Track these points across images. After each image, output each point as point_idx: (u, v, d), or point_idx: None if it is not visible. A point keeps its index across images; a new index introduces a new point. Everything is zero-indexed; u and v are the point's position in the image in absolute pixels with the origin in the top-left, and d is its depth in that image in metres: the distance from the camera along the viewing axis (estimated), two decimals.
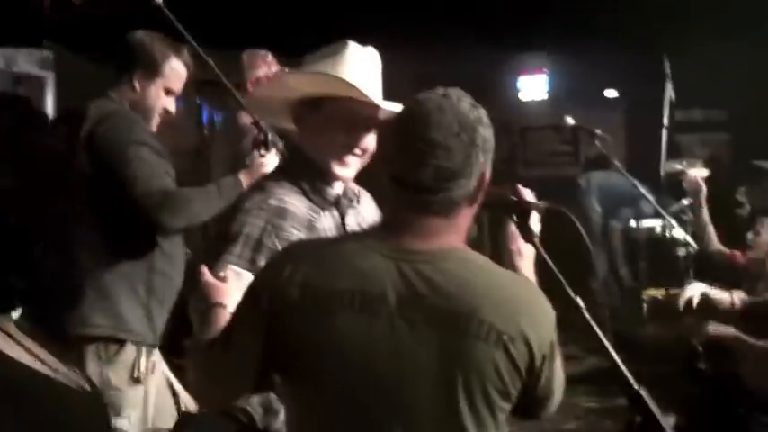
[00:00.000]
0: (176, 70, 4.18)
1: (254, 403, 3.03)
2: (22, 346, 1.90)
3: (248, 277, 2.86)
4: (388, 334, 2.33)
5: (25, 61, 8.94)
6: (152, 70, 4.15)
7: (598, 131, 6.98)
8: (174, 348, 3.03)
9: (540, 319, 2.43)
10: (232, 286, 2.84)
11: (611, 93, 13.25)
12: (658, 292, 7.68)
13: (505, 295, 2.39)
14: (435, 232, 2.41)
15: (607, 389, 6.73)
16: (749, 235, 5.99)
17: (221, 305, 2.75)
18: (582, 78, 13.01)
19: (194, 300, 2.84)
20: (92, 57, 10.05)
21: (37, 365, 1.90)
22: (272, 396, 3.02)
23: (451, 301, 2.33)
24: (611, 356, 2.53)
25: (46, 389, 1.91)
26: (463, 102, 2.43)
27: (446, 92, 2.44)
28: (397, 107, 3.19)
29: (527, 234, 2.75)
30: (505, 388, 2.36)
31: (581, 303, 2.65)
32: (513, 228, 2.81)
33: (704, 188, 6.08)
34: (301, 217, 3.14)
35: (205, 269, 2.88)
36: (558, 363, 2.51)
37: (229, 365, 2.48)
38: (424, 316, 2.33)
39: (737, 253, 6.45)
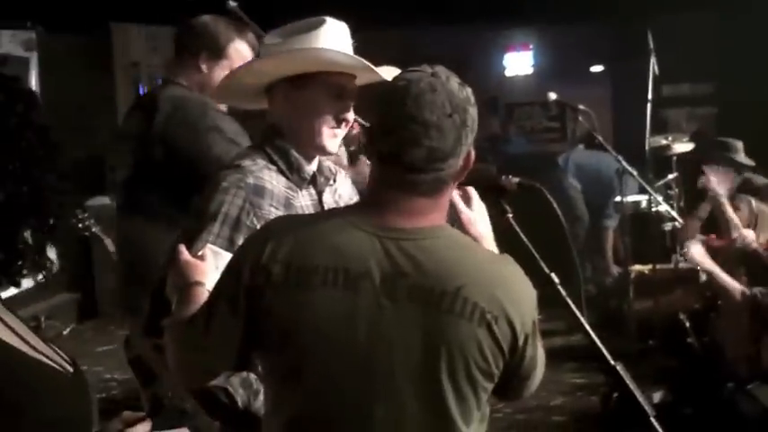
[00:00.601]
0: (240, 51, 4.18)
1: (234, 383, 3.01)
2: (2, 322, 1.89)
3: (227, 256, 2.81)
4: (372, 312, 2.31)
5: (9, 42, 8.92)
6: (217, 52, 4.15)
7: (581, 107, 6.99)
8: (153, 329, 3.01)
9: (523, 297, 2.42)
10: (210, 265, 2.82)
11: (597, 68, 13.20)
12: (645, 268, 7.72)
13: (488, 274, 2.38)
14: (421, 211, 2.39)
15: (593, 365, 6.73)
16: (729, 212, 6.00)
17: (199, 283, 2.73)
18: (567, 54, 12.98)
19: (172, 278, 2.82)
20: (75, 37, 10.03)
21: (17, 344, 1.89)
22: (253, 376, 3.00)
23: (435, 279, 2.32)
24: (586, 332, 2.53)
25: (26, 368, 1.90)
26: (452, 81, 2.41)
27: (434, 70, 2.42)
28: (390, 72, 3.19)
29: (501, 211, 2.74)
30: (489, 367, 2.35)
31: (555, 279, 2.65)
32: (469, 214, 2.80)
33: (720, 191, 6.03)
34: (279, 195, 3.11)
35: (183, 248, 2.86)
36: (539, 341, 2.50)
37: (209, 342, 2.46)
38: (408, 294, 2.31)
39: (712, 236, 6.48)
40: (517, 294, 2.40)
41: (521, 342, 2.38)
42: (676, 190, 7.53)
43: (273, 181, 3.12)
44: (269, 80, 3.17)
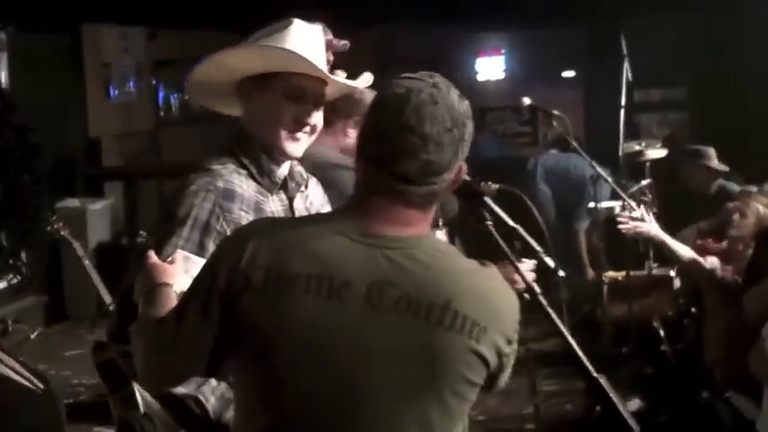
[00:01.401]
0: None
1: (206, 392, 2.95)
2: None
3: (197, 261, 2.79)
4: (355, 322, 2.24)
5: None
6: (359, 120, 4.12)
7: (555, 111, 6.96)
8: (120, 335, 2.96)
9: (508, 308, 2.37)
10: (179, 268, 2.77)
11: (568, 72, 13.25)
12: (619, 274, 7.71)
13: (474, 285, 2.33)
14: (409, 221, 2.33)
15: (567, 371, 6.71)
16: (735, 216, 5.96)
17: (166, 285, 2.67)
18: (539, 58, 13.03)
19: (139, 282, 2.75)
20: (46, 37, 9.95)
21: None
22: (224, 385, 2.94)
23: (424, 290, 2.26)
24: (568, 342, 2.49)
25: (5, 390, 1.84)
26: (452, 92, 2.35)
27: (435, 80, 2.35)
28: (345, 81, 3.18)
29: (479, 217, 2.70)
30: (474, 378, 2.30)
31: (537, 288, 2.61)
32: None
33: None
34: (249, 199, 3.06)
35: (151, 252, 2.80)
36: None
37: (179, 343, 2.38)
38: (395, 304, 2.25)
39: (709, 241, 6.45)
40: (503, 305, 2.36)
41: (505, 352, 2.34)
42: (650, 196, 7.49)
43: (243, 185, 3.07)
44: (232, 77, 3.12)
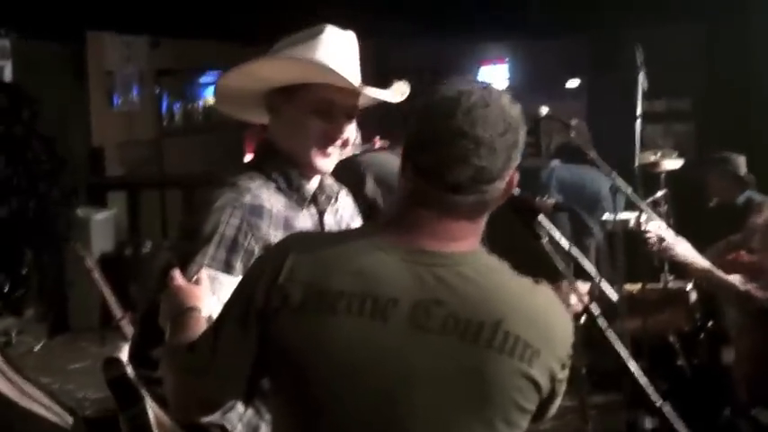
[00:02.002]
0: None
1: (233, 420, 2.83)
2: (4, 376, 1.71)
3: (224, 280, 2.72)
4: (399, 343, 2.13)
5: None
6: None
7: (574, 121, 6.84)
8: (142, 358, 2.84)
9: (562, 330, 2.25)
10: (206, 290, 2.66)
11: (573, 82, 13.17)
12: (634, 288, 7.59)
13: (529, 305, 2.20)
14: (457, 235, 2.21)
15: (583, 387, 6.60)
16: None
17: (194, 309, 2.56)
18: (543, 68, 12.95)
19: (165, 305, 2.64)
20: (50, 44, 9.88)
21: (17, 397, 1.71)
22: (251, 411, 2.84)
23: (473, 310, 2.13)
24: (627, 369, 2.40)
25: (25, 423, 1.72)
26: (504, 96, 2.23)
27: (485, 84, 2.25)
28: (381, 94, 3.05)
29: (534, 235, 2.60)
30: (526, 404, 2.18)
31: (595, 310, 2.51)
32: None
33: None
34: (278, 215, 2.95)
35: (177, 273, 2.69)
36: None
37: (215, 366, 2.26)
38: (442, 325, 2.13)
39: (742, 254, 6.30)
40: (557, 326, 2.23)
41: (559, 376, 2.22)
42: (665, 207, 7.39)
43: (272, 200, 2.95)
44: (259, 87, 3.00)
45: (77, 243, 6.23)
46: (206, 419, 2.74)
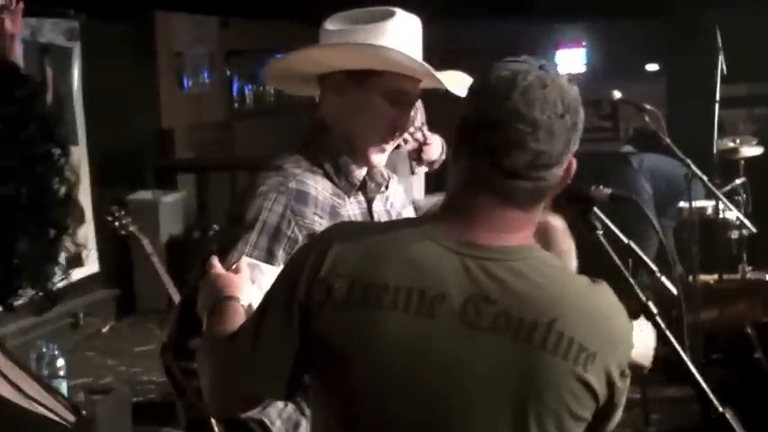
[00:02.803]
0: None
1: (272, 415, 2.72)
2: (2, 376, 1.57)
3: (265, 269, 2.61)
4: (449, 341, 2.00)
5: (51, 31, 8.68)
6: None
7: (648, 106, 6.64)
8: (180, 350, 2.73)
9: (622, 333, 2.10)
10: (245, 278, 2.56)
11: (651, 66, 12.93)
12: (710, 278, 7.43)
13: (586, 305, 2.05)
14: (511, 226, 2.07)
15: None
16: None
17: (233, 298, 2.46)
18: (621, 51, 12.75)
19: (203, 294, 2.54)
20: (118, 26, 9.86)
21: (15, 397, 1.57)
22: (291, 407, 2.74)
23: (526, 308, 2.00)
24: (690, 373, 2.27)
25: (24, 423, 1.59)
26: (562, 77, 2.08)
27: (541, 62, 2.09)
28: (445, 82, 2.88)
29: (589, 227, 2.44)
30: (581, 412, 2.03)
31: (653, 309, 2.36)
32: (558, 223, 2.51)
33: None
34: (324, 202, 2.83)
35: (215, 260, 2.59)
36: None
37: (258, 360, 2.16)
38: (493, 323, 1.99)
39: None
40: (616, 329, 2.09)
41: (618, 383, 2.07)
42: (744, 195, 7.20)
43: (318, 186, 2.83)
44: (324, 70, 2.88)
45: (137, 227, 6.16)
46: (244, 415, 2.66)
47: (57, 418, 1.66)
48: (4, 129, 1.54)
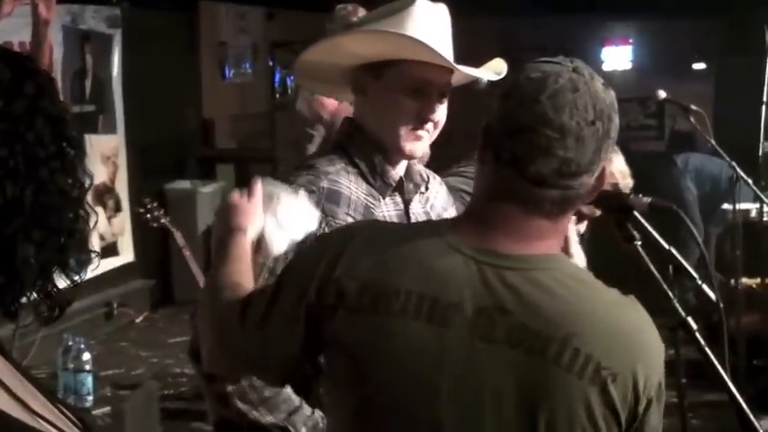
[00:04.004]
0: None
1: (297, 422, 2.68)
2: (8, 392, 1.49)
3: (283, 199, 2.54)
4: (461, 352, 1.93)
5: (92, 18, 8.67)
6: None
7: (693, 106, 6.52)
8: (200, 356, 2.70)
9: (651, 353, 1.99)
10: (258, 208, 2.49)
11: (699, 65, 12.78)
12: (753, 282, 7.32)
13: (610, 320, 1.96)
14: (536, 235, 1.98)
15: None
16: None
17: (241, 230, 2.42)
18: (669, 50, 12.65)
19: (216, 223, 2.52)
20: (161, 14, 9.84)
21: (17, 413, 1.50)
22: (318, 414, 2.69)
23: (542, 321, 1.91)
24: (727, 388, 2.18)
25: None
26: (596, 80, 1.99)
27: (575, 64, 2.00)
28: (474, 72, 2.82)
29: (627, 237, 2.35)
30: (597, 431, 1.93)
31: (692, 324, 2.28)
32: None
33: None
34: (357, 202, 2.76)
35: (236, 193, 2.53)
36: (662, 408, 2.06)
37: (258, 353, 2.16)
38: (507, 335, 1.91)
39: None
40: (642, 348, 1.98)
41: (642, 408, 1.96)
42: None
43: (352, 186, 2.77)
44: (346, 63, 2.80)
45: (169, 219, 6.13)
46: (269, 420, 2.65)
47: None
48: (11, 126, 1.46)
